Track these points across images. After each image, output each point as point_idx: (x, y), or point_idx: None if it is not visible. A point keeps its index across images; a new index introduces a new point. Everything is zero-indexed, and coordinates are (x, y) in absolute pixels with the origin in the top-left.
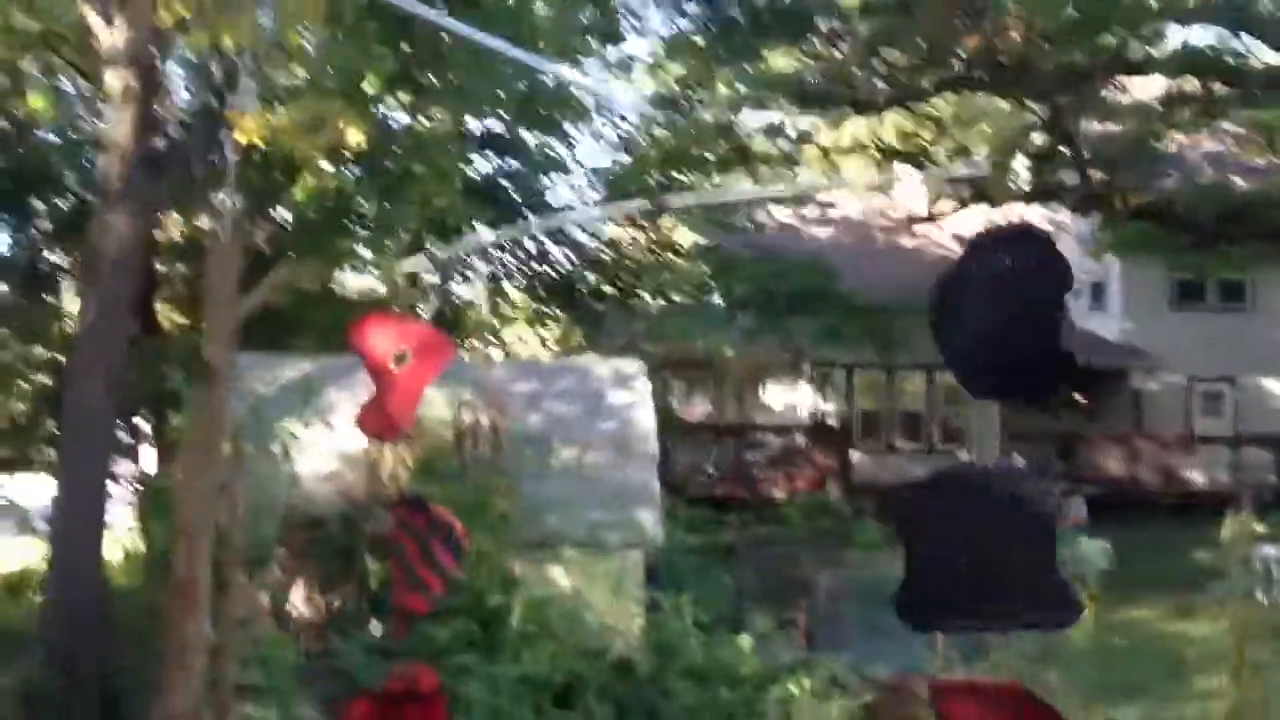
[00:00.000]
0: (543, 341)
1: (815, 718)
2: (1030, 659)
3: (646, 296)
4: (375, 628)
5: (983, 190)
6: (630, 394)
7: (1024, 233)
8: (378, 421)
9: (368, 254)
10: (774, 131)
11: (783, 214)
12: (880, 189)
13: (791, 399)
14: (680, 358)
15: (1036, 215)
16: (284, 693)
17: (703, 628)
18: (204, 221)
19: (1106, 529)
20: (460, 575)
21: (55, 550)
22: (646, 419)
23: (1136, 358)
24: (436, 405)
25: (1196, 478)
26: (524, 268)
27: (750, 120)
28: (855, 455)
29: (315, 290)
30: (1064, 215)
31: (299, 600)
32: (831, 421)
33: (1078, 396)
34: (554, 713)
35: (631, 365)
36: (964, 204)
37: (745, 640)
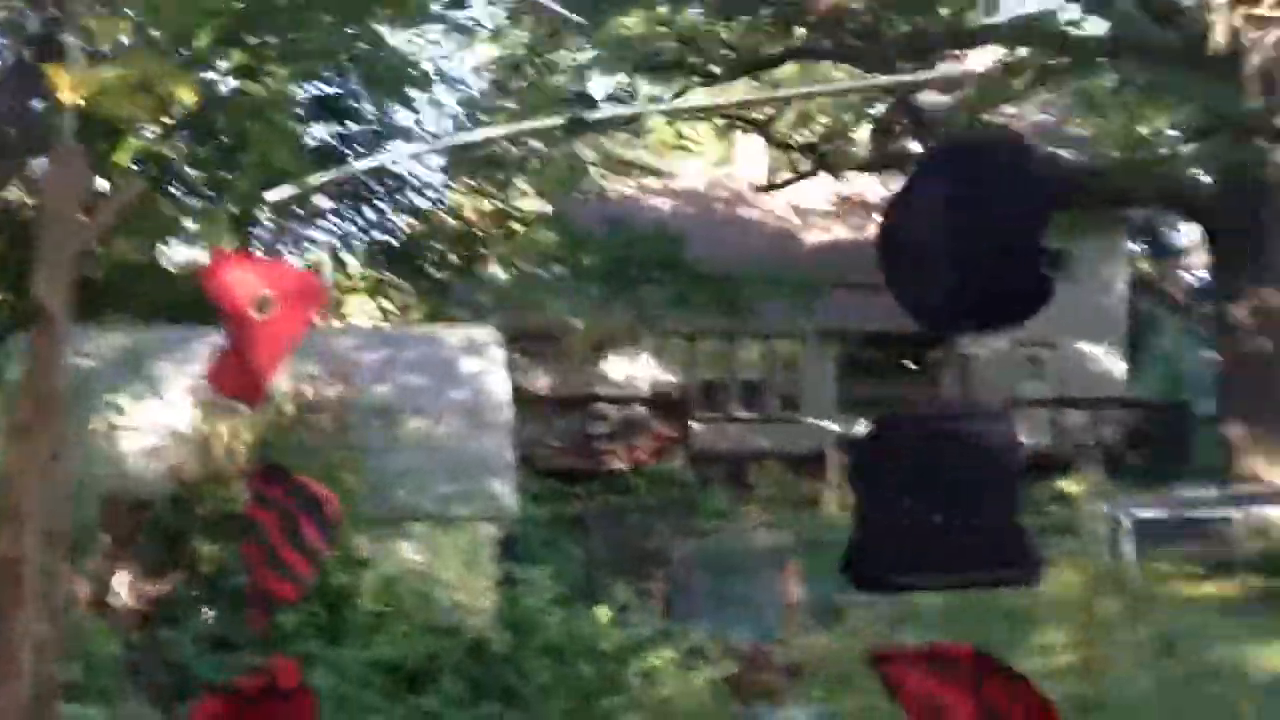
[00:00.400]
0: (385, 313)
1: (680, 689)
2: (888, 620)
3: (493, 267)
4: (207, 616)
5: (823, 160)
6: (483, 361)
7: (990, 141)
8: (237, 380)
9: (194, 226)
10: (620, 99)
11: (626, 184)
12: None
13: (632, 370)
14: (523, 329)
15: (876, 185)
16: (109, 689)
17: (560, 602)
18: (13, 191)
19: None
20: (329, 555)
21: None
22: (500, 387)
23: None
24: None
25: (1020, 440)
26: (364, 236)
27: (597, 88)
28: (696, 425)
29: (137, 262)
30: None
31: (122, 588)
32: (672, 392)
33: (909, 362)
34: (407, 696)
35: (485, 333)
36: (804, 175)
37: (604, 613)
